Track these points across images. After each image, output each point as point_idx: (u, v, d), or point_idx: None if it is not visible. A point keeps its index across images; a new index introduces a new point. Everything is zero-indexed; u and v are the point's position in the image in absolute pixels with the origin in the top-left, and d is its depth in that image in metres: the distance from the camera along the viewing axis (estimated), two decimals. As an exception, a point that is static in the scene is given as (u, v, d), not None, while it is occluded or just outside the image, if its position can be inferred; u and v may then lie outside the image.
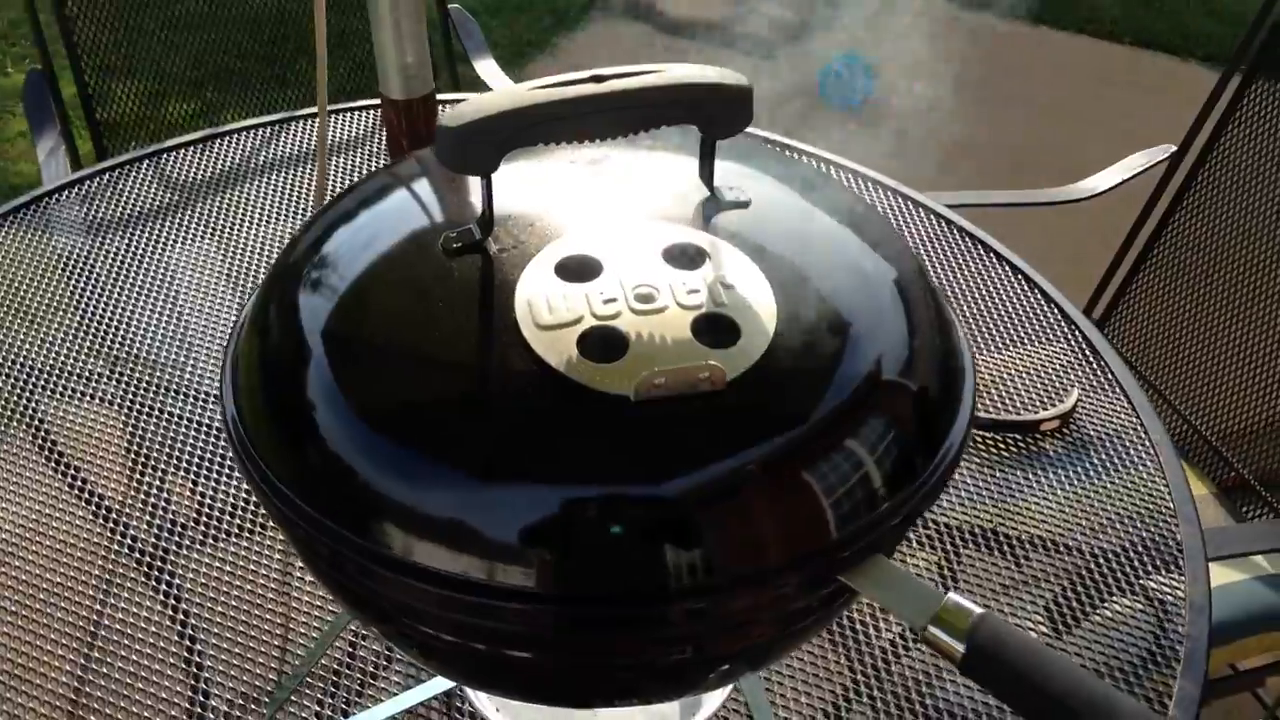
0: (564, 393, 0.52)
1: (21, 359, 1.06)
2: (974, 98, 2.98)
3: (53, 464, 0.98)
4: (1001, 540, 0.94)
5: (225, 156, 1.32)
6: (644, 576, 0.51)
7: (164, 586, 0.89)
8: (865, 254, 0.63)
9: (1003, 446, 1.02)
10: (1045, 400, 1.06)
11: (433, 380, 0.55)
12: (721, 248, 0.59)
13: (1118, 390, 1.07)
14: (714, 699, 0.81)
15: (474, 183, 0.60)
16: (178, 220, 1.23)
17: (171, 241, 1.20)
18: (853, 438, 0.53)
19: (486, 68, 1.67)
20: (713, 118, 0.59)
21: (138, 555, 0.91)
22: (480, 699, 0.80)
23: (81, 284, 1.15)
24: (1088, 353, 1.10)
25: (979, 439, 1.02)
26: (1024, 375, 1.08)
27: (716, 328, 0.55)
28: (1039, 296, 1.16)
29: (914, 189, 1.29)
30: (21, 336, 1.09)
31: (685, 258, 0.58)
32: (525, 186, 0.62)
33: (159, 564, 0.90)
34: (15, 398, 1.03)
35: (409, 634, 0.58)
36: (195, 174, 1.30)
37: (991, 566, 0.93)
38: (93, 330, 1.10)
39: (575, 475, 0.51)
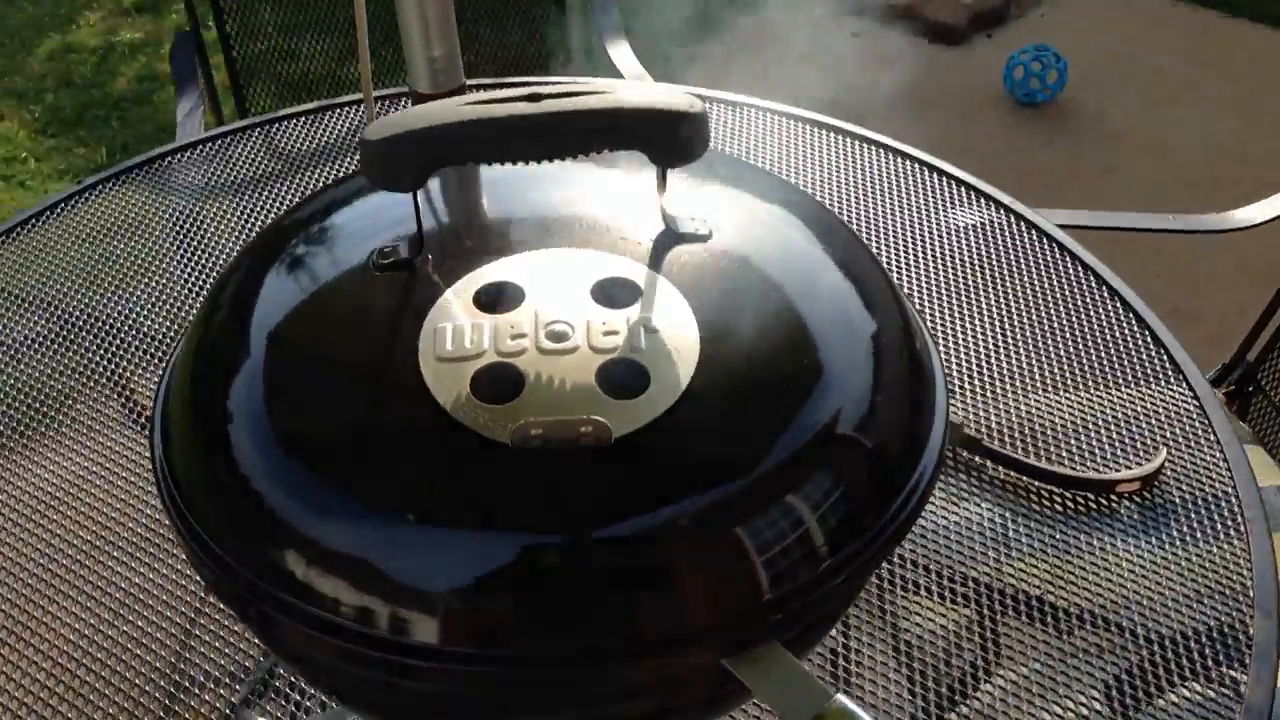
0: (445, 432, 0.49)
1: (112, 321, 1.11)
2: (1158, 96, 2.76)
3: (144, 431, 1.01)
4: (1047, 608, 0.86)
5: (336, 128, 1.34)
6: (490, 636, 0.47)
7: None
8: (830, 302, 0.57)
9: (1070, 504, 0.93)
10: (1131, 456, 0.96)
11: (327, 411, 0.53)
12: (659, 286, 0.55)
13: (1219, 454, 0.96)
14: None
15: (430, 194, 0.58)
16: (283, 189, 1.25)
17: (275, 210, 1.23)
18: (743, 518, 0.48)
19: (620, 52, 1.64)
20: (660, 144, 0.55)
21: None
22: None
23: (188, 246, 1.18)
24: (1191, 407, 1.00)
25: (1044, 492, 0.93)
26: (1114, 425, 0.99)
27: (625, 375, 0.51)
28: (1148, 338, 1.06)
29: (1026, 205, 1.19)
30: (120, 297, 1.13)
31: (614, 294, 0.54)
32: (475, 202, 0.59)
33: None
34: (107, 362, 1.07)
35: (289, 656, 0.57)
36: (304, 144, 1.32)
37: (1036, 635, 0.85)
38: (191, 294, 1.13)
39: (437, 520, 0.48)
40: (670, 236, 0.57)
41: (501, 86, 1.36)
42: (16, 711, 0.81)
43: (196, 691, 0.82)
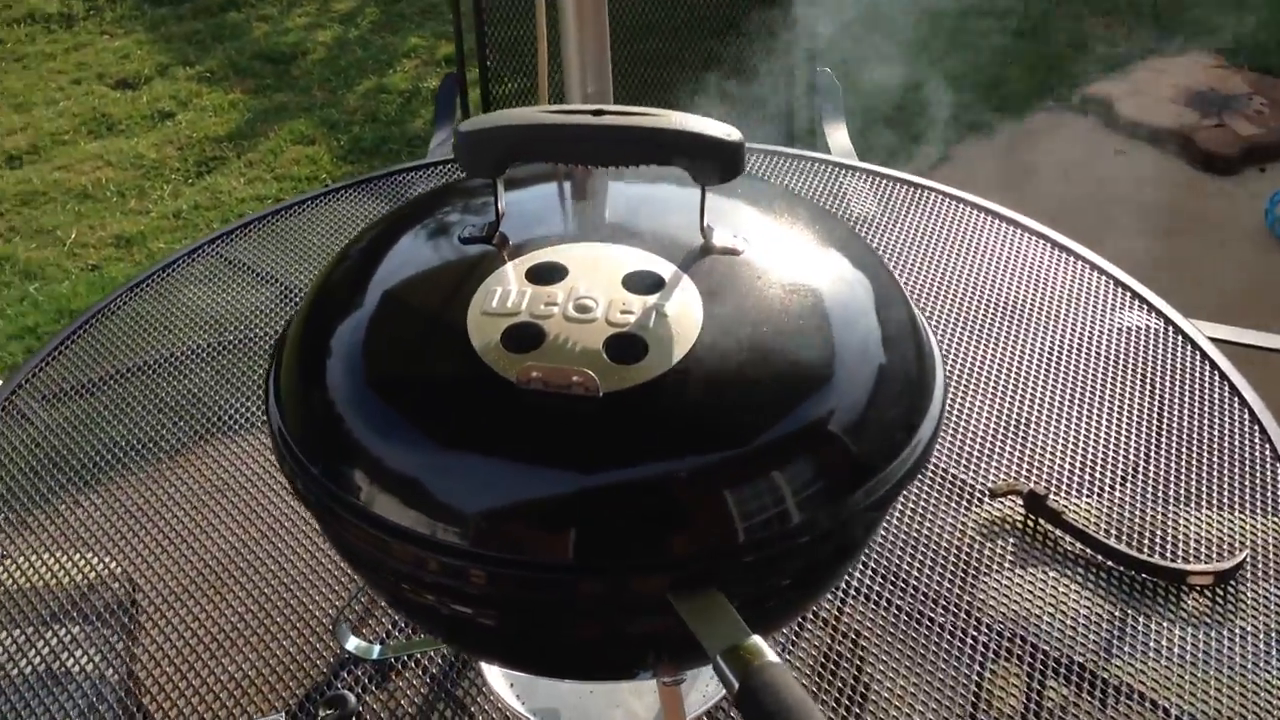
0: (472, 370, 0.60)
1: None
2: None
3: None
4: (1091, 680, 0.88)
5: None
6: (477, 535, 0.58)
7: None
8: (831, 314, 0.65)
9: (1137, 586, 0.94)
10: (1213, 551, 0.96)
11: (395, 350, 0.64)
12: (680, 283, 0.64)
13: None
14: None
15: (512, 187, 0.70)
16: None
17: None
18: (693, 482, 0.57)
19: (837, 134, 1.73)
20: (699, 165, 0.64)
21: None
22: (494, 677, 0.88)
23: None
24: (1298, 521, 0.99)
25: (1111, 570, 0.95)
26: (1204, 524, 0.99)
27: (628, 346, 0.61)
28: (1270, 455, 1.05)
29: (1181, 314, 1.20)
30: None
31: (642, 285, 0.64)
32: (546, 198, 0.70)
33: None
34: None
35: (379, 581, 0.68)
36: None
37: (1078, 703, 0.87)
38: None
39: (451, 442, 0.59)
40: (705, 245, 0.67)
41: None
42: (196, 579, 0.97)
43: (308, 605, 0.96)
